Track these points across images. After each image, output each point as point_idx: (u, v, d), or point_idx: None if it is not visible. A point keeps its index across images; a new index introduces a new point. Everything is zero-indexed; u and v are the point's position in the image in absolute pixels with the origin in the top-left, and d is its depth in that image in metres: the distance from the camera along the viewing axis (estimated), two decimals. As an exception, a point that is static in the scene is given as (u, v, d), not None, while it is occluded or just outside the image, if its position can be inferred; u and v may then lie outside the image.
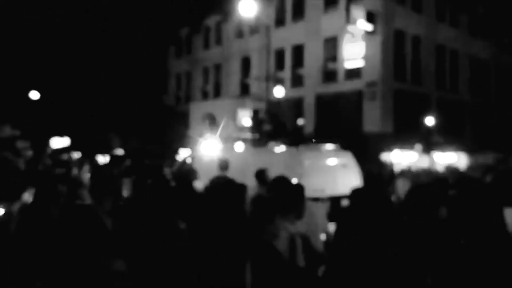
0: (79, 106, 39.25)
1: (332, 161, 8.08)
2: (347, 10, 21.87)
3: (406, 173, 13.02)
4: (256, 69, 27.61)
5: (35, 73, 41.97)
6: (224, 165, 7.09)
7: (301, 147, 9.32)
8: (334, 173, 6.85)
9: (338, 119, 23.13)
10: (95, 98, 37.85)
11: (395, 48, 22.97)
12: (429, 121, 22.64)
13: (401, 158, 22.71)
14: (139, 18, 34.41)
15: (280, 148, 9.49)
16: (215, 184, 6.64)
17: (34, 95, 40.16)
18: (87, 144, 36.84)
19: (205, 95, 33.06)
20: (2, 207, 5.08)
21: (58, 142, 43.59)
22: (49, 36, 39.05)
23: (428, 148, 21.41)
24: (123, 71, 36.31)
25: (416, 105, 23.22)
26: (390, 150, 21.85)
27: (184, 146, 29.95)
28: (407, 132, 21.56)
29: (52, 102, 41.26)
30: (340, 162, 7.84)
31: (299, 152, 8.23)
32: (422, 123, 22.17)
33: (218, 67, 32.19)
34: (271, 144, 10.71)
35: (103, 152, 31.84)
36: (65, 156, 30.60)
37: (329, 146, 8.97)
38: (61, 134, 43.59)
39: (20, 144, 38.68)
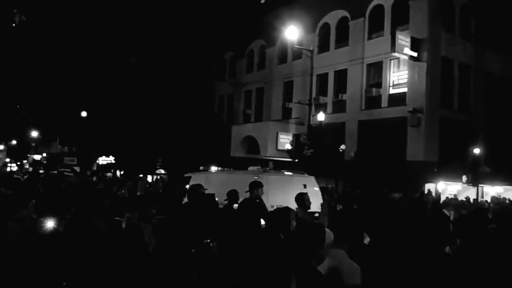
0: (125, 126, 40.49)
1: (292, 183, 10.27)
2: (393, 37, 21.70)
3: (450, 203, 12.65)
4: (298, 94, 27.71)
5: (85, 94, 43.79)
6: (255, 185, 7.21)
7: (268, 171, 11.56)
8: (293, 192, 7.77)
9: (381, 146, 22.73)
10: (140, 119, 38.96)
11: (441, 75, 22.51)
12: (477, 150, 21.85)
13: (446, 188, 21.98)
14: (186, 41, 35.43)
15: (254, 171, 11.20)
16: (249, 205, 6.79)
17: (83, 114, 41.81)
18: (130, 163, 37.87)
19: (247, 118, 33.40)
20: (53, 221, 5.28)
21: (104, 160, 45.04)
22: (101, 59, 40.79)
23: (475, 179, 20.60)
24: (169, 92, 37.30)
25: (463, 134, 22.51)
26: (435, 180, 21.20)
27: (224, 167, 30.27)
28: (453, 162, 20.86)
29: (100, 122, 42.81)
30: (301, 184, 10.00)
31: (265, 175, 10.34)
32: (469, 153, 21.43)
33: (260, 91, 32.55)
34: (250, 167, 12.12)
35: (145, 172, 32.60)
36: (109, 174, 31.57)
37: (290, 172, 11.79)
38: (107, 153, 45.08)
39: (68, 160, 40.21)
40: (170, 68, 37.15)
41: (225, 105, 36.55)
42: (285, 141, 25.33)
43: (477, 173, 20.45)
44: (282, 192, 9.36)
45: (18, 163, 59.61)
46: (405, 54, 21.57)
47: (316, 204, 9.28)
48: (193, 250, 4.76)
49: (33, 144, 60.32)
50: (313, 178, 11.42)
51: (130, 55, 39.46)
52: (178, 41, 36.07)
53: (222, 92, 36.69)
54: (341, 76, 26.04)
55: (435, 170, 21.18)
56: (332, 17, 26.95)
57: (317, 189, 10.86)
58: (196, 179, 11.09)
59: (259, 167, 12.00)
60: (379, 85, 24.04)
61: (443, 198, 17.90)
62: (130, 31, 39.18)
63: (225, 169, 23.17)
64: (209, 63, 37.34)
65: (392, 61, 23.45)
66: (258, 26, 31.71)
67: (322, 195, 11.14)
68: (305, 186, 10.12)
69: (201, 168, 13.41)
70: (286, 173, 11.55)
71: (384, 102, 23.56)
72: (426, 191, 17.77)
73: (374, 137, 23.31)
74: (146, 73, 38.84)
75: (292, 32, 22.83)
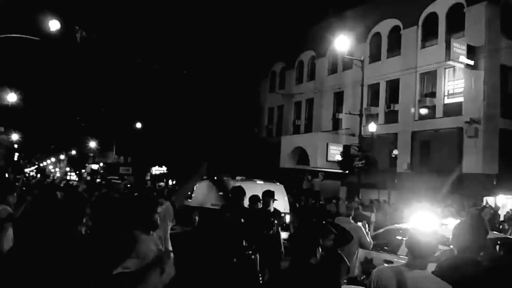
0: (177, 137, 41.54)
1: (260, 188, 11.06)
2: (447, 45, 21.05)
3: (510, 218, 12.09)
4: (349, 104, 27.40)
5: (140, 106, 45.39)
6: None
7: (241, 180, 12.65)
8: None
9: (435, 157, 22.01)
10: (192, 130, 39.84)
11: (501, 84, 21.54)
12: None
13: (507, 202, 20.89)
14: (236, 52, 36.01)
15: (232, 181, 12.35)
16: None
17: (138, 125, 43.36)
18: (181, 173, 38.71)
19: (296, 129, 33.39)
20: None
21: (157, 170, 46.40)
22: (154, 72, 42.20)
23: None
24: (219, 103, 37.97)
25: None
26: (494, 193, 20.22)
27: (274, 179, 30.33)
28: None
29: (153, 133, 44.18)
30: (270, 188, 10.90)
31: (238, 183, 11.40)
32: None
33: (310, 102, 32.48)
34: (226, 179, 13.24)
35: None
36: (161, 183, 32.45)
37: (261, 181, 13.19)
38: (160, 164, 46.43)
39: (123, 169, 41.73)
40: (221, 80, 37.85)
41: (275, 117, 36.71)
42: (335, 152, 25.06)
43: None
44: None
45: (77, 172, 62.50)
46: (461, 63, 20.84)
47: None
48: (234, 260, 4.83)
49: (91, 154, 63.15)
50: (282, 186, 13.26)
51: (183, 68, 40.57)
52: (229, 53, 36.74)
53: (272, 104, 36.90)
54: (393, 86, 25.53)
55: (495, 183, 20.23)
56: (384, 26, 26.55)
57: (284, 197, 12.41)
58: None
59: (243, 177, 13.42)
60: (433, 94, 23.35)
61: (503, 212, 17.05)
62: (182, 44, 40.34)
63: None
64: (259, 75, 37.74)
65: (447, 70, 22.74)
66: (308, 36, 31.76)
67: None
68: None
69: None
70: (257, 181, 12.93)
71: (439, 112, 22.83)
72: (485, 204, 17.00)
73: (428, 148, 22.62)
74: (198, 86, 39.76)
75: (342, 42, 22.71)
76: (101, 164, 59.99)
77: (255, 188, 11.02)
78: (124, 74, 45.32)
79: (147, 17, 41.91)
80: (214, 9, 36.99)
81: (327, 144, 26.11)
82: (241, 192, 6.42)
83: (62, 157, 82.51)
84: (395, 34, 25.85)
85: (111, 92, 48.59)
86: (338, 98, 29.72)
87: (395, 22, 25.76)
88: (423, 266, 3.08)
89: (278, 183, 13.45)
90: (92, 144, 59.28)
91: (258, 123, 37.72)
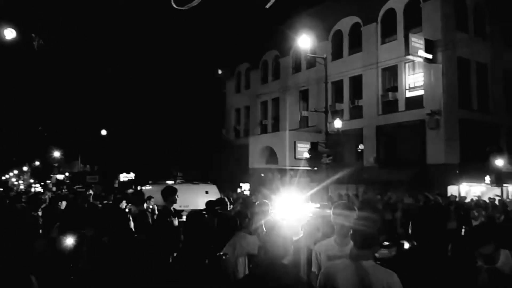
0: (143, 143, 40.98)
1: (196, 189, 13.58)
2: (406, 40, 21.59)
3: (480, 205, 12.53)
4: (314, 102, 27.72)
5: (104, 113, 44.54)
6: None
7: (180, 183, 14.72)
8: (197, 196, 11.62)
9: (400, 149, 22.53)
10: (158, 135, 39.40)
11: (459, 76, 22.26)
12: (499, 150, 21.43)
13: (470, 190, 21.59)
14: (201, 54, 35.84)
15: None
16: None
17: (103, 132, 42.53)
18: (150, 179, 38.20)
19: (264, 129, 33.50)
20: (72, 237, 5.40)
21: (125, 177, 45.59)
22: (116, 77, 41.51)
23: (498, 179, 20.19)
24: (184, 107, 37.69)
25: (484, 134, 22.15)
26: (457, 182, 20.86)
27: (244, 179, 30.36)
28: (475, 163, 20.51)
29: (119, 140, 43.44)
30: (203, 190, 13.17)
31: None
32: (491, 153, 21.03)
33: (276, 101, 32.66)
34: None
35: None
36: (130, 190, 31.78)
37: (197, 182, 15.02)
38: (127, 170, 45.64)
39: (90, 178, 40.84)
40: (186, 83, 37.58)
41: (242, 117, 36.73)
42: (303, 150, 25.23)
43: (500, 173, 20.05)
44: (189, 197, 11.92)
45: (42, 183, 60.74)
46: (420, 57, 21.42)
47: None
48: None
49: (56, 164, 61.51)
50: (215, 186, 14.98)
51: (147, 73, 40.09)
52: (192, 56, 36.52)
53: (238, 105, 36.90)
54: (356, 82, 25.98)
55: (457, 172, 20.87)
56: (344, 24, 26.98)
57: (217, 195, 13.75)
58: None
59: (183, 180, 15.61)
60: (395, 89, 23.91)
61: (467, 200, 17.58)
62: (145, 50, 39.86)
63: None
64: (224, 76, 37.68)
65: (407, 64, 23.33)
66: (271, 36, 31.93)
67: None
68: (207, 192, 13.12)
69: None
70: (194, 182, 14.93)
71: (401, 105, 23.40)
72: (449, 194, 17.50)
73: (393, 142, 23.12)
74: (163, 89, 39.34)
75: (304, 41, 22.89)
76: (67, 174, 58.53)
77: (192, 189, 13.54)
78: (86, 81, 44.40)
79: (108, 23, 41.20)
80: (176, 14, 36.69)
81: (295, 142, 26.25)
82: (172, 190, 6.74)
83: (25, 168, 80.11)
84: (356, 31, 26.31)
85: (74, 100, 47.50)
86: (304, 96, 30.01)
87: (355, 19, 26.22)
88: (368, 256, 3.10)
89: (210, 183, 15.43)
90: (56, 154, 57.74)
91: (226, 125, 37.66)
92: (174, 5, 5.85)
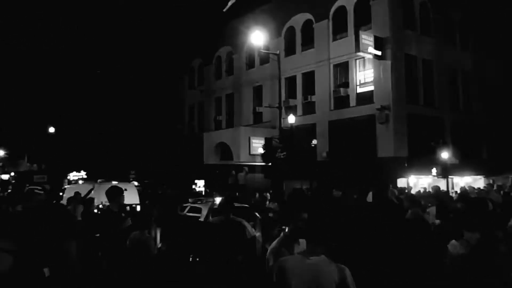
0: (95, 139, 39.77)
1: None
2: (356, 37, 22.07)
3: (426, 196, 12.86)
4: (268, 98, 27.85)
5: (51, 108, 42.84)
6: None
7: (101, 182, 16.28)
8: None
9: (352, 144, 23.05)
10: (111, 131, 38.36)
11: (406, 72, 23.01)
12: (445, 144, 22.38)
13: (418, 182, 22.43)
14: (153, 50, 35.14)
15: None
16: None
17: (51, 130, 40.86)
18: (102, 177, 37.16)
19: (218, 125, 33.33)
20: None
21: (75, 176, 44.07)
22: (65, 70, 40.00)
23: (444, 171, 21.09)
24: (138, 103, 36.89)
25: (430, 128, 23.03)
26: (406, 174, 21.60)
27: (199, 176, 30.11)
28: (423, 156, 21.32)
29: (69, 137, 41.91)
30: (123, 187, 13.90)
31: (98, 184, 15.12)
32: (437, 146, 21.95)
33: (230, 97, 32.56)
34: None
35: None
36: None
37: (116, 181, 15.50)
38: (77, 168, 44.12)
39: (37, 178, 39.23)
40: (139, 79, 36.77)
41: (196, 113, 36.38)
42: (258, 145, 25.34)
43: (446, 166, 20.94)
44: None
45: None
46: (370, 53, 21.97)
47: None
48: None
49: (0, 164, 58.55)
50: (133, 184, 16.96)
51: (96, 67, 38.85)
52: (145, 51, 35.75)
53: (192, 101, 36.51)
54: (309, 78, 26.31)
55: (406, 165, 21.60)
56: (297, 21, 27.23)
57: (135, 191, 15.25)
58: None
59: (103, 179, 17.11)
60: (346, 85, 24.40)
61: (414, 191, 18.21)
62: (96, 43, 38.61)
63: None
64: (178, 72, 37.12)
65: (357, 61, 23.86)
66: (225, 32, 31.79)
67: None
68: (125, 189, 13.64)
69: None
70: (113, 182, 15.39)
71: (352, 101, 23.93)
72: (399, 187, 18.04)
73: (344, 136, 23.62)
74: (114, 85, 38.30)
75: (257, 37, 22.91)
76: (12, 173, 55.86)
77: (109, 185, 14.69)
78: (31, 74, 42.51)
79: (53, 11, 39.56)
80: (132, 8, 35.73)
81: (249, 138, 26.33)
82: (117, 191, 6.79)
83: (-34, 169, 75.76)
84: (308, 27, 26.61)
85: (18, 95, 45.37)
86: (257, 92, 30.08)
87: (308, 16, 26.52)
88: (320, 252, 3.13)
89: (130, 183, 17.38)
90: (0, 152, 54.93)
91: (180, 120, 37.16)
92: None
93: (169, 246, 6.20)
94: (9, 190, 36.73)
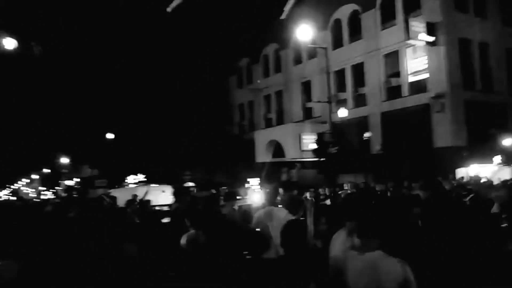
0: (150, 143, 41.06)
1: (157, 189, 16.55)
2: (406, 24, 21.39)
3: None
4: (317, 93, 27.60)
5: (110, 116, 44.67)
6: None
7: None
8: (158, 194, 14.86)
9: (406, 135, 22.36)
10: (164, 135, 39.46)
11: (461, 57, 22.02)
12: (505, 130, 21.23)
13: (480, 172, 21.39)
14: (200, 52, 35.72)
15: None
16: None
17: (110, 136, 42.66)
18: (160, 179, 38.32)
19: (268, 123, 33.43)
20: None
21: (134, 179, 45.74)
22: (118, 79, 41.56)
23: (509, 159, 19.99)
24: (189, 106, 37.70)
25: (490, 115, 21.92)
26: (466, 164, 20.68)
27: (252, 174, 30.33)
28: (483, 144, 20.33)
29: (126, 142, 43.56)
30: (161, 190, 16.24)
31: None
32: (498, 133, 20.82)
33: (279, 94, 32.56)
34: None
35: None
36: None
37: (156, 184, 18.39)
38: (135, 172, 45.78)
39: (98, 182, 41.06)
40: (190, 82, 37.55)
41: (246, 112, 36.67)
42: (309, 141, 25.20)
43: (510, 153, 19.85)
44: (152, 196, 13.77)
45: (52, 190, 61.11)
46: (421, 40, 21.22)
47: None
48: None
49: (64, 170, 61.80)
50: (169, 186, 17.93)
51: (149, 74, 40.09)
52: (193, 54, 36.43)
53: (242, 100, 36.84)
54: (358, 70, 25.82)
55: (465, 154, 20.69)
56: (343, 12, 26.80)
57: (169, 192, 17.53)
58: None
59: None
60: (398, 74, 23.72)
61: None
62: (146, 51, 39.80)
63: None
64: (225, 73, 37.58)
65: (408, 49, 23.11)
66: (270, 30, 31.79)
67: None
68: (163, 191, 16.07)
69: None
70: (151, 185, 17.83)
71: (405, 91, 23.21)
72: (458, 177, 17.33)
73: (398, 128, 22.97)
74: (166, 90, 39.36)
75: (304, 32, 22.77)
76: (76, 179, 58.79)
77: (152, 189, 16.47)
78: (89, 85, 44.50)
79: (109, 23, 41.15)
80: (177, 13, 36.48)
81: (300, 134, 26.24)
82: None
83: (34, 176, 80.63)
84: (355, 18, 26.11)
85: (78, 105, 47.66)
86: (306, 87, 29.89)
87: (354, 6, 26.02)
88: (375, 246, 2.94)
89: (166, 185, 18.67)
90: (64, 160, 58.00)
91: (231, 120, 37.61)
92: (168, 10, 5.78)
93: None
94: (73, 195, 38.64)
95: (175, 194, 12.60)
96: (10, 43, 16.59)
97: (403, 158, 20.97)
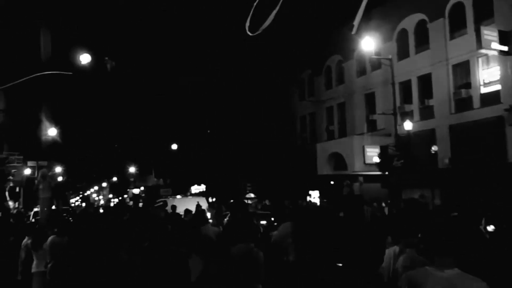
0: (212, 155, 42.01)
1: (190, 201, 20.74)
2: (477, 33, 20.50)
3: None
4: (381, 104, 27.05)
5: (174, 128, 46.28)
6: None
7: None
8: (190, 205, 15.70)
9: (477, 149, 21.32)
10: (226, 145, 40.23)
11: (538, 67, 20.72)
12: None
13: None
14: (262, 65, 36.16)
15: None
16: None
17: (174, 146, 44.16)
18: (220, 190, 39.09)
19: (330, 135, 33.15)
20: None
21: (196, 189, 46.95)
22: (184, 90, 42.97)
23: None
24: (251, 118, 38.23)
25: None
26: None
27: (313, 187, 30.19)
28: None
29: (190, 153, 44.85)
30: (195, 201, 18.91)
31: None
32: None
33: (341, 106, 32.23)
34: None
35: (235, 197, 33.46)
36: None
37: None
38: (199, 182, 47.00)
39: (163, 191, 42.45)
40: (252, 92, 38.12)
41: (308, 124, 36.59)
42: (373, 154, 24.68)
43: None
44: (185, 205, 15.27)
45: (120, 197, 64.03)
46: (494, 49, 20.21)
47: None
48: None
49: (132, 179, 64.63)
50: (204, 198, 22.15)
51: (210, 85, 41.18)
52: (257, 64, 36.98)
53: (303, 112, 36.83)
54: (425, 81, 25.02)
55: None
56: (409, 22, 26.16)
57: (205, 204, 20.93)
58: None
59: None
60: (468, 85, 22.71)
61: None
62: (207, 63, 40.96)
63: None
64: (287, 85, 37.77)
65: (479, 59, 22.11)
66: (333, 41, 31.64)
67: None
68: (198, 202, 18.43)
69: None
70: (188, 195, 19.98)
71: (476, 103, 22.16)
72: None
73: (468, 141, 21.95)
74: (229, 100, 40.20)
75: (368, 43, 22.55)
76: (142, 188, 61.25)
77: (186, 200, 21.06)
78: (155, 99, 46.37)
79: (173, 37, 42.84)
80: (233, 28, 37.30)
81: (363, 147, 25.79)
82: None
83: (104, 184, 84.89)
84: (421, 28, 25.41)
85: (145, 117, 49.78)
86: (370, 99, 29.38)
87: (421, 16, 25.34)
88: (452, 264, 2.88)
89: (201, 197, 22.39)
90: (132, 169, 60.70)
91: (292, 132, 37.66)
92: (249, 33, 6.00)
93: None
94: (140, 203, 40.25)
95: (230, 208, 13.36)
96: (85, 58, 17.78)
97: (475, 173, 19.99)
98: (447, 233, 2.98)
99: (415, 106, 25.59)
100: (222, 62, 39.89)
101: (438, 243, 2.94)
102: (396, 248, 4.09)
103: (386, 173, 22.77)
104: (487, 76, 22.02)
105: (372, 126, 28.82)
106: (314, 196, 29.54)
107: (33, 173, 32.92)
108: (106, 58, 19.00)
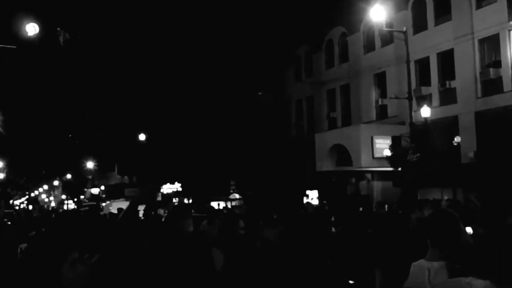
0: (190, 148, 41.82)
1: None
2: (509, 2, 20.74)
3: None
4: (393, 87, 27.19)
5: (143, 116, 45.95)
6: None
7: None
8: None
9: (508, 140, 21.57)
10: (206, 138, 40.08)
11: None
12: None
13: None
14: (253, 38, 35.89)
15: None
16: None
17: (142, 137, 43.89)
18: (198, 190, 39.00)
19: (332, 123, 33.28)
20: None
21: (169, 188, 46.83)
22: (155, 75, 42.65)
23: None
24: (237, 102, 38.06)
25: None
26: None
27: (311, 185, 30.30)
28: None
29: (161, 146, 44.61)
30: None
31: None
32: None
33: (345, 88, 32.36)
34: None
35: (216, 197, 33.46)
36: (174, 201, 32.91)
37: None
38: (172, 181, 46.85)
39: (129, 191, 42.30)
40: (236, 72, 37.92)
41: (304, 110, 36.64)
42: (383, 146, 24.86)
43: None
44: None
45: (76, 199, 63.54)
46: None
47: None
48: None
49: (90, 177, 64.10)
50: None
51: (189, 66, 40.89)
52: (243, 39, 36.77)
53: (299, 95, 36.86)
54: (447, 59, 25.24)
55: None
56: (428, -12, 26.34)
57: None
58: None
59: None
60: (498, 64, 22.97)
61: None
62: (187, 42, 40.61)
63: None
64: (280, 63, 37.56)
65: (511, 32, 22.37)
66: (336, 10, 31.62)
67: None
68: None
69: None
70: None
71: (507, 85, 22.41)
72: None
73: (497, 131, 22.19)
74: (208, 84, 39.97)
75: (378, 13, 22.61)
76: (102, 187, 60.86)
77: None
78: (121, 81, 45.93)
79: (142, 11, 42.39)
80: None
81: (372, 138, 25.95)
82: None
83: (56, 183, 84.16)
84: (443, -5, 25.61)
85: (107, 103, 49.30)
86: (380, 80, 29.55)
87: (442, -20, 25.52)
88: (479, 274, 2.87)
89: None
90: (90, 164, 60.09)
91: (287, 120, 37.65)
92: None
93: None
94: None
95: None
96: (31, 29, 17.44)
97: (505, 168, 20.23)
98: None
99: (434, 88, 25.81)
100: (202, 31, 39.58)
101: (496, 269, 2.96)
102: (433, 264, 4.05)
103: (399, 169, 22.97)
104: (521, 53, 22.31)
105: (382, 113, 29.02)
106: (312, 197, 29.66)
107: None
108: (59, 28, 18.73)
